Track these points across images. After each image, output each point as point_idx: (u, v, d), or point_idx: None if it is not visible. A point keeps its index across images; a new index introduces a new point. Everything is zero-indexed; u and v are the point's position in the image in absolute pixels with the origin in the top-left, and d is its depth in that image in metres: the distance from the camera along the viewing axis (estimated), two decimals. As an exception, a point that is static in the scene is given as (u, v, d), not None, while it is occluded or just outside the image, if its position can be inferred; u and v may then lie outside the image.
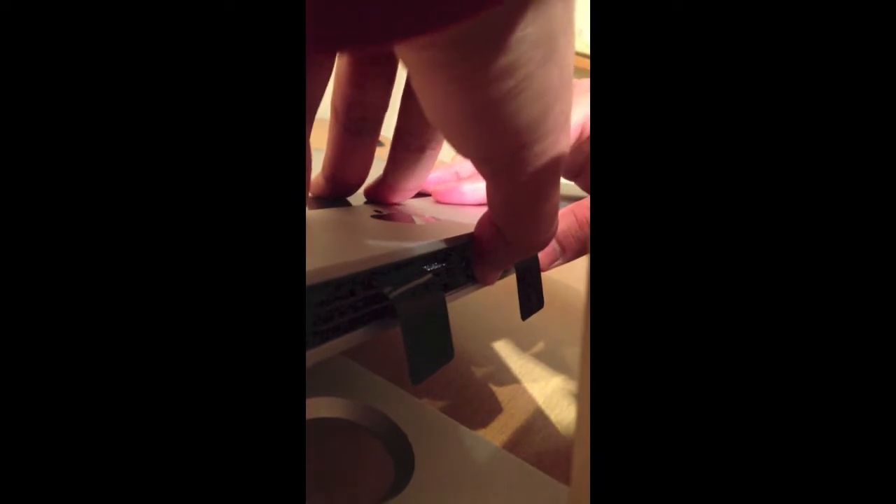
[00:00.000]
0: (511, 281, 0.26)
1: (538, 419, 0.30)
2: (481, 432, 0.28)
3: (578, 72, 1.03)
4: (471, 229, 0.21)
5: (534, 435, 0.29)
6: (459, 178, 0.31)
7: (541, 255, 0.28)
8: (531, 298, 0.25)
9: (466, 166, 0.32)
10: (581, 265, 0.32)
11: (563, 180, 0.31)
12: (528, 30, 0.13)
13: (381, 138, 0.24)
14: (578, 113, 0.31)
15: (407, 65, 0.15)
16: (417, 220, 0.23)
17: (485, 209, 0.21)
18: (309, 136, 0.18)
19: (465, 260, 0.22)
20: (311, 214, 0.21)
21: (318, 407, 0.26)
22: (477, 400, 0.31)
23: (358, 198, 0.25)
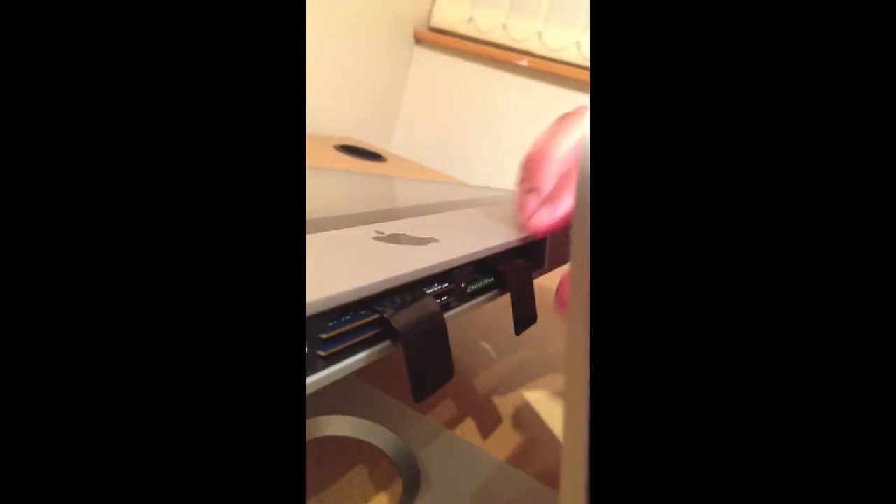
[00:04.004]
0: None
1: (543, 433, 0.30)
2: (486, 447, 0.28)
3: (578, 84, 1.04)
4: (470, 251, 0.22)
5: (539, 449, 0.29)
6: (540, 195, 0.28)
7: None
8: (524, 313, 0.26)
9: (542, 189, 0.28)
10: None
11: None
12: None
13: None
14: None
15: None
16: (418, 242, 0.23)
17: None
18: None
19: (464, 280, 0.22)
20: (314, 237, 0.21)
21: (325, 426, 0.27)
22: (481, 415, 0.31)
23: (360, 218, 0.26)
